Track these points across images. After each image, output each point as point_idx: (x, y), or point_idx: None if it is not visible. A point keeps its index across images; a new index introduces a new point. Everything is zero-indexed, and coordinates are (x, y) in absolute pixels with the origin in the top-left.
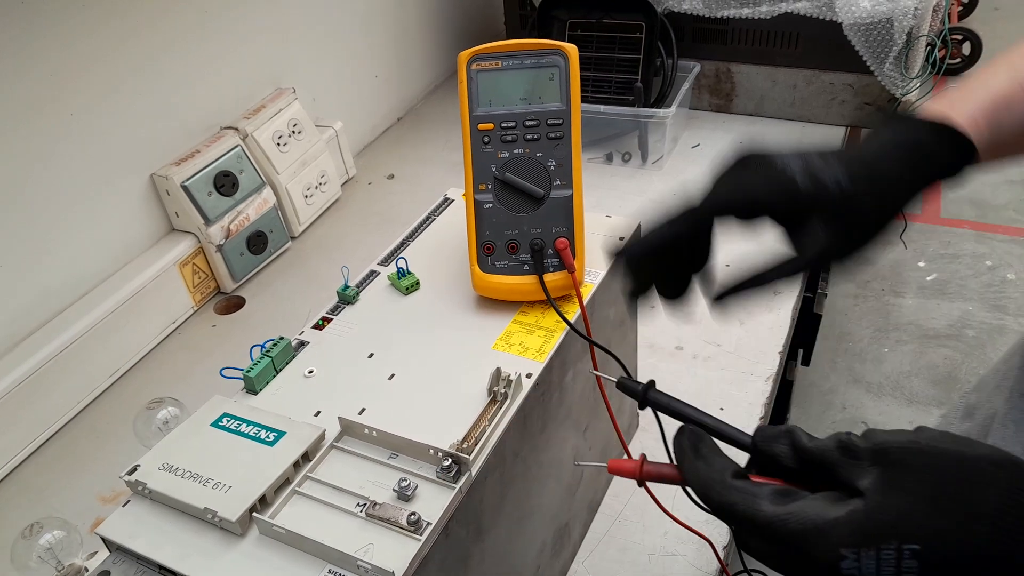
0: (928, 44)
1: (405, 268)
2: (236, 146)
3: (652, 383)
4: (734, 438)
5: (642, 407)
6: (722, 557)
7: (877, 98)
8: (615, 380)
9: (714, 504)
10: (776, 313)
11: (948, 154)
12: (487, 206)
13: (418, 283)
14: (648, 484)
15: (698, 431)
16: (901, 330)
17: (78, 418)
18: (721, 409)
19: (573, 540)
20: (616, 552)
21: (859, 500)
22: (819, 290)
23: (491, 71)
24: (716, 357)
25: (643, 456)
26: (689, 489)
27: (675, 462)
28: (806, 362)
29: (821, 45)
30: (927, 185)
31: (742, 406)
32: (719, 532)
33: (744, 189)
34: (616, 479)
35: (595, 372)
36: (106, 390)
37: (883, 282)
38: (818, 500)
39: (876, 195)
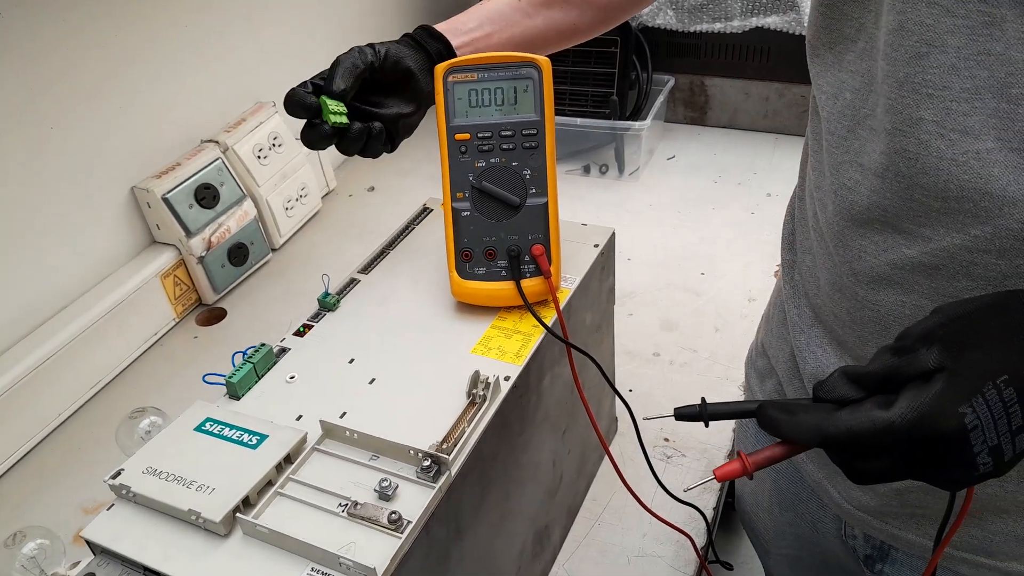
0: None
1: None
2: (217, 159)
3: (704, 400)
4: (797, 404)
5: (707, 424)
6: (701, 554)
7: None
8: (672, 415)
9: (835, 437)
10: (750, 320)
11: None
12: (465, 214)
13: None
14: (633, 484)
15: (774, 401)
16: None
17: (60, 429)
18: None
19: (553, 542)
20: (596, 554)
21: (941, 372)
22: None
23: (467, 83)
24: (692, 363)
25: (740, 452)
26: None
27: (773, 433)
28: None
29: (792, 58)
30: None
31: None
32: (698, 529)
33: None
34: (596, 483)
35: (650, 416)
36: (88, 401)
37: None
38: (912, 390)
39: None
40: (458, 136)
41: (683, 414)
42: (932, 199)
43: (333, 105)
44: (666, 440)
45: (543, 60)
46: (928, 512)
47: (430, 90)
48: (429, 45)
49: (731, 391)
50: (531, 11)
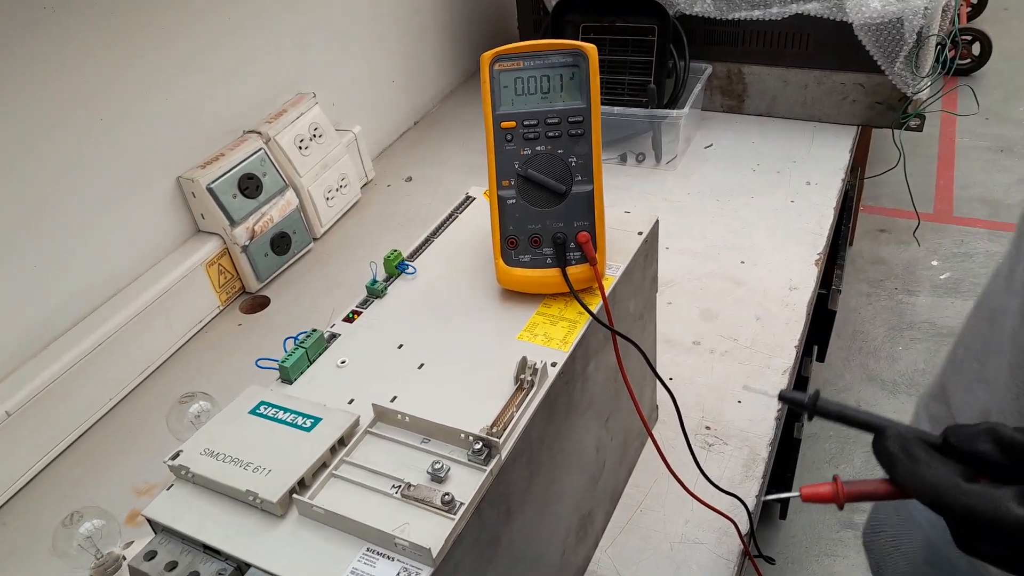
0: (938, 44)
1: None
2: (259, 149)
3: (818, 392)
4: (922, 439)
5: (811, 418)
6: (744, 539)
7: (888, 97)
8: (776, 395)
9: (949, 509)
10: (791, 308)
11: None
12: (510, 202)
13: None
14: (675, 471)
15: (904, 435)
16: (915, 328)
17: (111, 414)
18: (739, 402)
19: (596, 528)
20: (638, 540)
21: None
22: (833, 286)
23: (513, 71)
24: (733, 352)
25: (836, 478)
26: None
27: (886, 469)
28: (821, 358)
29: (832, 45)
30: None
31: (760, 399)
32: (743, 515)
33: None
34: (637, 471)
35: (774, 393)
36: (136, 387)
37: (896, 281)
38: None
39: None
40: (504, 124)
41: (789, 398)
42: None
43: None
44: (707, 428)
45: (589, 47)
46: None
47: None
48: None
49: (773, 379)
50: None
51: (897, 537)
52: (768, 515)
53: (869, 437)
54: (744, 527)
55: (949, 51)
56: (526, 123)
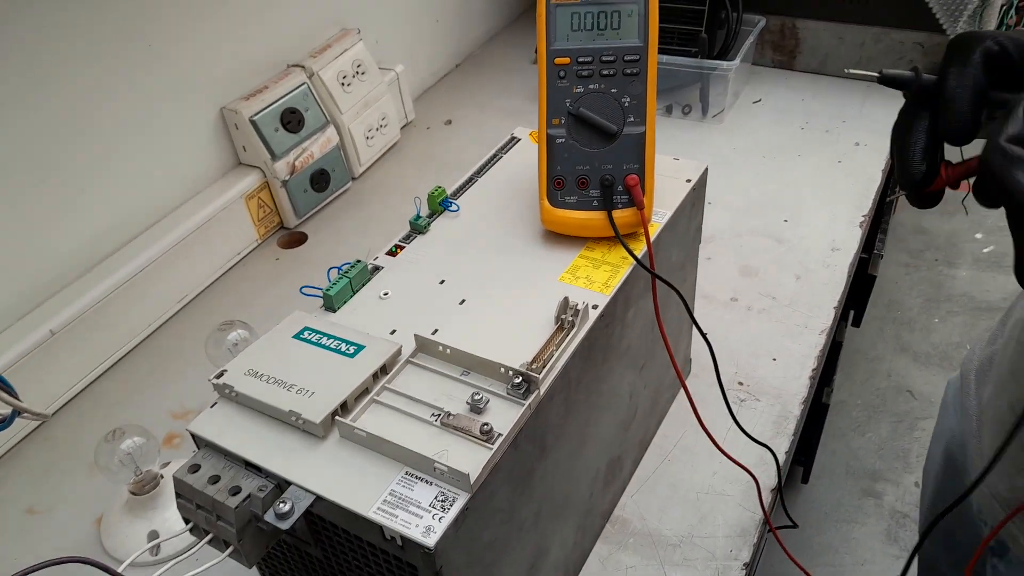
0: (1003, 5)
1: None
2: (303, 83)
3: (918, 68)
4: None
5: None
6: (765, 501)
7: None
8: (877, 75)
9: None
10: (832, 269)
11: None
12: (559, 141)
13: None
14: (705, 424)
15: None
16: (953, 301)
17: (149, 339)
18: (774, 360)
19: (624, 473)
20: (665, 488)
21: None
22: (876, 251)
23: (570, 6)
24: (771, 310)
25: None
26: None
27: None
28: (856, 323)
29: (892, 1)
30: None
31: (795, 358)
32: (767, 475)
33: None
34: (666, 422)
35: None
36: (175, 314)
37: (937, 252)
38: None
39: None
40: (558, 60)
41: (890, 76)
42: None
43: None
44: (740, 384)
45: None
46: None
47: None
48: None
49: (809, 339)
50: None
51: (937, 437)
52: (791, 479)
53: (896, 407)
54: (772, 483)
55: (1011, 19)
56: (580, 60)
